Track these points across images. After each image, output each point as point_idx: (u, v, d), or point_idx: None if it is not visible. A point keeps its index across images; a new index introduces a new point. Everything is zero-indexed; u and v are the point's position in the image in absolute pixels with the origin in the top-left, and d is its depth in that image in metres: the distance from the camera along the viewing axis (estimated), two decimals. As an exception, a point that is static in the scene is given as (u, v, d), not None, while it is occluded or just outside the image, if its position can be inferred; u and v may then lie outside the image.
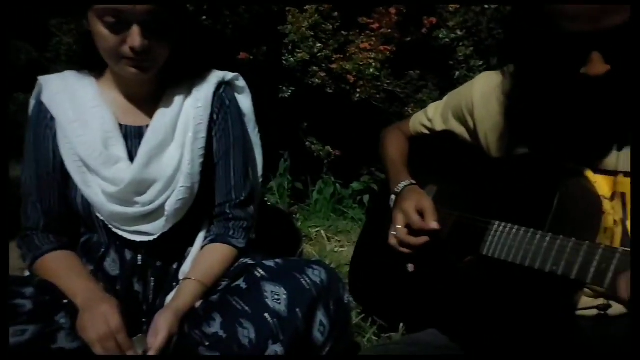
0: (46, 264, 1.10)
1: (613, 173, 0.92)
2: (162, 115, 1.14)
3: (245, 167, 1.22)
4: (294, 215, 2.97)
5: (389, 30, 2.58)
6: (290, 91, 2.65)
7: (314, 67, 2.53)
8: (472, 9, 2.67)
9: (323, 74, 2.51)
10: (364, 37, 2.59)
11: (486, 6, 2.60)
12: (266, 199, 2.95)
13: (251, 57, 2.56)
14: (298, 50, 2.46)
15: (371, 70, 2.52)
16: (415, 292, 1.15)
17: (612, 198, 0.93)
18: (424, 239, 1.09)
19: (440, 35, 2.70)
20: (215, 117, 1.18)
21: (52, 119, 1.12)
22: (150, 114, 1.15)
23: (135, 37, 1.00)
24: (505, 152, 1.07)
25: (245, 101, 1.26)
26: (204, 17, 2.40)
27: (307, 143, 2.91)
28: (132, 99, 1.16)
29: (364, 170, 3.08)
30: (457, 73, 2.58)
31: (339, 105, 2.75)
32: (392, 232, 1.14)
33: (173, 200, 1.11)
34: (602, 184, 0.93)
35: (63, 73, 1.17)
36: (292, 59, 2.48)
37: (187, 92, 1.17)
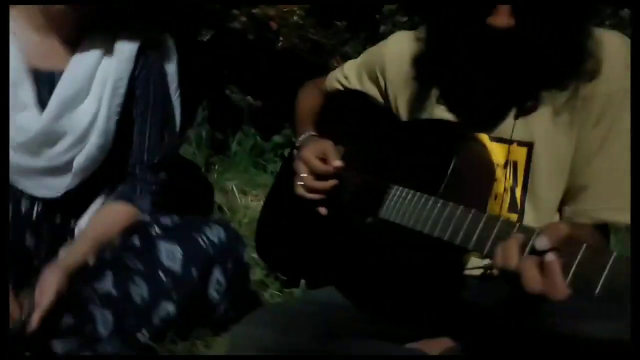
0: None
1: (508, 141, 0.95)
2: (79, 64, 1.07)
3: (161, 129, 1.18)
4: (213, 167, 2.91)
5: (316, -22, 2.51)
6: (209, 35, 2.53)
7: (235, 11, 2.42)
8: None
9: (244, 19, 2.41)
10: (289, -18, 2.50)
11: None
12: (182, 148, 2.86)
13: (168, -3, 2.40)
14: (219, -8, 2.34)
15: (295, 17, 2.45)
16: (317, 249, 1.16)
17: (505, 165, 0.96)
18: (332, 182, 1.07)
19: (370, -13, 2.66)
20: (137, 73, 1.13)
21: None
22: (65, 58, 1.07)
23: None
24: (413, 113, 1.08)
25: (170, 62, 1.20)
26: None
27: (227, 92, 2.82)
28: (46, 40, 1.06)
29: (287, 124, 3.05)
30: (383, 27, 2.57)
31: (261, 53, 2.67)
32: (299, 183, 1.12)
33: (83, 157, 1.07)
34: (497, 152, 0.96)
35: None
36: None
37: (111, 43, 1.09)
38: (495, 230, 0.73)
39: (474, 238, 0.76)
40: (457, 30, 0.89)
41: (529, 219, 0.95)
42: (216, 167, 2.91)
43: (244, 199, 2.20)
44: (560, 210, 0.96)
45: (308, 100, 1.34)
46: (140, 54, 1.12)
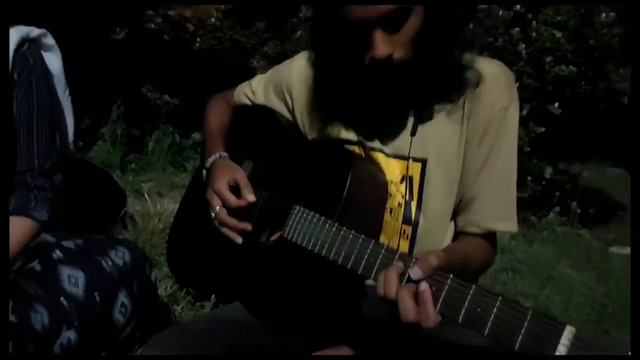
0: None
1: (405, 158, 1.02)
2: None
3: (51, 132, 1.13)
4: (129, 165, 2.84)
5: (233, -21, 2.50)
6: (123, 33, 2.45)
7: (150, 12, 2.36)
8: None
9: (160, 20, 2.36)
10: (206, -17, 2.47)
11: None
12: (97, 146, 2.76)
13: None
14: (131, -9, 2.27)
15: (212, 20, 2.43)
16: (226, 265, 1.18)
17: (402, 181, 1.03)
18: (245, 224, 1.08)
19: (289, -12, 2.68)
20: (16, 77, 1.08)
21: None
22: None
23: None
24: (317, 131, 1.12)
25: (54, 60, 1.16)
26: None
27: (143, 90, 2.76)
28: None
29: (206, 121, 3.02)
30: (299, 32, 2.61)
31: (178, 52, 2.62)
32: (212, 214, 1.13)
33: None
34: (393, 168, 1.03)
35: None
36: (124, -1, 2.28)
37: None
38: (379, 257, 0.80)
39: (363, 263, 0.83)
40: (343, 63, 0.96)
41: (422, 230, 1.03)
42: (132, 166, 2.85)
43: (159, 202, 2.17)
44: (455, 221, 1.04)
45: (217, 114, 1.33)
46: (18, 57, 1.07)
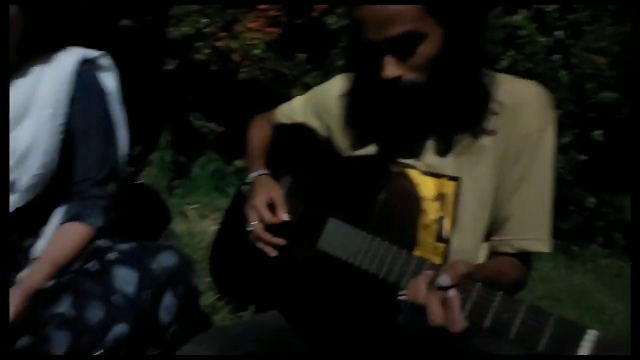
0: None
1: (439, 176, 1.05)
2: (17, 89, 1.11)
3: (105, 145, 1.22)
4: (175, 190, 2.97)
5: (278, 13, 2.63)
6: (174, 64, 2.61)
7: (199, 43, 2.51)
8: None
9: (208, 51, 2.51)
10: (251, 16, 2.61)
11: None
12: (145, 172, 2.91)
13: (134, 26, 2.49)
14: (183, 24, 2.43)
15: (257, 51, 2.56)
16: (264, 275, 1.24)
17: (435, 198, 1.05)
18: (279, 240, 1.14)
19: (330, 21, 2.78)
20: (75, 94, 1.17)
21: None
22: None
23: None
24: (353, 149, 1.17)
25: (109, 80, 1.25)
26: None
27: (190, 118, 2.91)
28: None
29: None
30: (339, 63, 2.71)
31: (224, 82, 2.76)
32: (249, 229, 1.19)
33: (27, 177, 1.10)
34: (427, 185, 1.06)
35: None
36: (176, 32, 2.44)
37: (46, 66, 1.14)
38: (411, 267, 0.84)
39: (395, 273, 0.87)
40: (363, 82, 1.02)
41: (455, 248, 1.04)
42: (178, 190, 2.98)
43: (202, 224, 2.27)
44: (488, 240, 1.05)
45: (259, 133, 1.41)
46: (77, 76, 1.16)
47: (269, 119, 1.43)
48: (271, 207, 1.17)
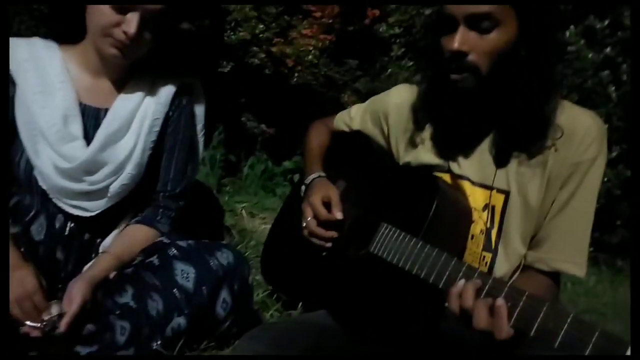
0: None
1: (489, 188, 1.07)
2: (123, 103, 1.20)
3: (185, 164, 1.30)
4: (224, 187, 3.05)
5: (331, 21, 2.67)
6: (229, 67, 2.70)
7: (255, 48, 2.59)
8: (409, 10, 2.82)
9: (263, 55, 2.58)
10: (306, 23, 2.67)
11: (420, 10, 2.75)
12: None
13: (193, 29, 2.58)
14: (240, 29, 2.51)
15: (310, 57, 2.61)
16: (314, 274, 1.28)
17: (484, 209, 1.08)
18: (331, 233, 1.20)
19: (381, 30, 2.81)
20: (171, 114, 1.26)
21: (14, 84, 1.14)
22: (110, 97, 1.21)
23: (132, 24, 1.06)
24: (409, 158, 1.20)
25: (199, 105, 1.34)
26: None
27: (243, 119, 2.99)
28: (95, 80, 1.20)
29: (297, 150, 3.20)
30: (390, 70, 2.73)
31: (277, 85, 2.83)
32: (303, 224, 1.24)
33: (118, 184, 1.19)
34: (477, 196, 1.09)
35: (31, 39, 1.19)
36: (233, 36, 2.52)
37: (151, 86, 1.23)
38: (460, 273, 0.86)
39: (444, 278, 0.89)
40: (433, 90, 1.04)
41: (500, 259, 1.07)
42: (227, 188, 3.06)
43: (252, 222, 2.32)
44: (525, 254, 1.07)
45: (317, 138, 1.45)
46: (175, 97, 1.25)
47: (327, 125, 1.47)
48: (326, 205, 1.21)
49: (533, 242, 1.06)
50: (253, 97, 2.98)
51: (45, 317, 1.05)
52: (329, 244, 1.19)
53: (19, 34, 2.14)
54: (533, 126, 1.01)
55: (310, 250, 1.25)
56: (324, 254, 1.22)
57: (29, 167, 1.16)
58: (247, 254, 1.76)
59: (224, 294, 1.13)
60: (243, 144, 3.11)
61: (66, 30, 1.17)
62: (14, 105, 1.15)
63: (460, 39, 0.96)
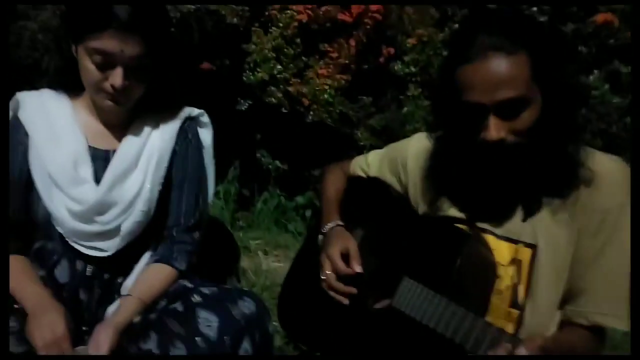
0: None
1: (515, 241, 1.06)
2: (130, 143, 1.23)
3: (196, 196, 1.31)
4: (237, 222, 3.08)
5: (347, 61, 2.73)
6: (247, 105, 2.75)
7: (272, 87, 2.64)
8: (426, 50, 2.87)
9: (280, 95, 2.63)
10: (322, 63, 2.72)
11: (438, 50, 2.80)
12: (211, 203, 3.03)
13: (214, 69, 2.65)
14: (259, 70, 2.57)
15: (326, 96, 2.66)
16: (333, 324, 1.27)
17: (509, 263, 1.06)
18: (350, 288, 1.19)
19: (396, 68, 2.86)
20: (177, 148, 1.28)
21: (27, 135, 1.19)
22: (117, 139, 1.24)
23: (117, 77, 1.10)
24: (429, 207, 1.20)
25: (206, 135, 1.35)
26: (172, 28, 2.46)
27: (257, 155, 3.03)
28: (103, 124, 1.25)
29: (309, 186, 3.23)
30: (405, 109, 2.76)
31: (292, 123, 2.87)
32: (322, 277, 1.24)
33: (130, 222, 1.20)
34: (502, 250, 1.07)
35: (40, 91, 1.25)
36: (252, 77, 2.58)
37: (155, 123, 1.26)
38: (488, 336, 0.87)
39: (471, 340, 0.89)
40: (457, 142, 1.04)
41: (528, 315, 1.04)
42: (241, 222, 3.08)
43: (266, 260, 2.34)
44: (562, 308, 1.04)
45: (334, 183, 1.45)
46: (180, 132, 1.27)
47: (343, 170, 1.47)
48: (345, 258, 1.21)
49: (569, 295, 1.03)
50: (268, 133, 3.02)
51: None
52: (346, 301, 1.19)
53: (47, 72, 2.21)
54: (558, 172, 1.00)
55: (329, 300, 1.24)
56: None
57: (47, 213, 1.19)
58: (262, 295, 1.77)
59: (246, 344, 1.13)
60: (257, 179, 3.14)
61: (72, 81, 1.21)
62: (28, 156, 1.19)
63: (494, 130, 0.96)
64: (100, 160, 1.22)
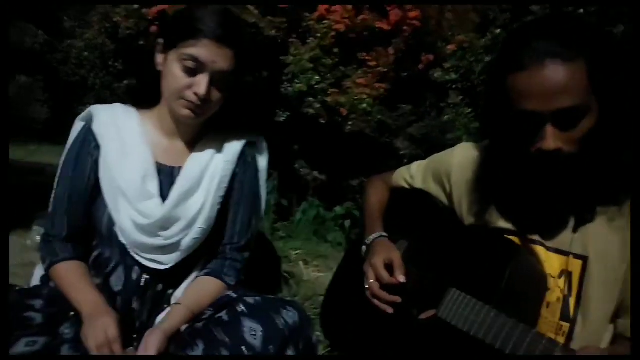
0: (60, 271, 1.22)
1: (565, 253, 1.03)
2: (195, 162, 1.27)
3: (250, 217, 1.35)
4: (277, 232, 3.09)
5: (385, 70, 2.72)
6: (285, 116, 2.78)
7: (310, 98, 2.66)
8: (467, 57, 2.83)
9: (318, 105, 2.64)
10: (361, 72, 2.72)
11: (479, 56, 2.75)
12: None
13: (253, 80, 2.68)
14: (297, 81, 2.59)
15: (364, 105, 2.66)
16: (377, 333, 1.26)
17: (559, 275, 1.04)
18: (394, 297, 1.18)
19: (436, 75, 2.83)
20: (237, 171, 1.32)
21: (97, 147, 1.25)
22: (183, 157, 1.29)
23: (202, 85, 1.14)
24: (475, 218, 1.17)
25: (262, 160, 1.39)
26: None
27: (296, 165, 3.05)
28: (170, 141, 1.29)
29: (348, 196, 3.22)
30: (446, 117, 2.73)
31: (330, 133, 2.88)
32: (366, 286, 1.23)
33: (189, 238, 1.24)
34: (552, 262, 1.04)
35: (112, 105, 1.30)
36: (290, 88, 2.60)
37: (220, 144, 1.30)
38: (540, 346, 0.84)
39: (522, 351, 0.86)
40: (512, 153, 1.00)
41: (579, 329, 1.01)
42: (280, 232, 3.10)
43: (306, 270, 2.34)
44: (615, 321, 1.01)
45: (377, 195, 1.44)
46: (241, 155, 1.31)
47: (385, 181, 1.46)
48: (388, 268, 1.20)
49: (622, 309, 0.99)
50: (306, 144, 3.04)
51: None
52: (390, 310, 1.18)
53: (94, 88, 2.30)
54: (613, 181, 0.96)
55: (372, 310, 1.24)
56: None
57: (111, 222, 1.23)
58: (304, 305, 1.77)
59: (289, 353, 1.13)
60: (295, 190, 3.16)
61: (143, 96, 1.27)
62: (98, 166, 1.24)
63: (551, 140, 0.93)
64: (166, 176, 1.27)
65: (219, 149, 1.30)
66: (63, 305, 1.15)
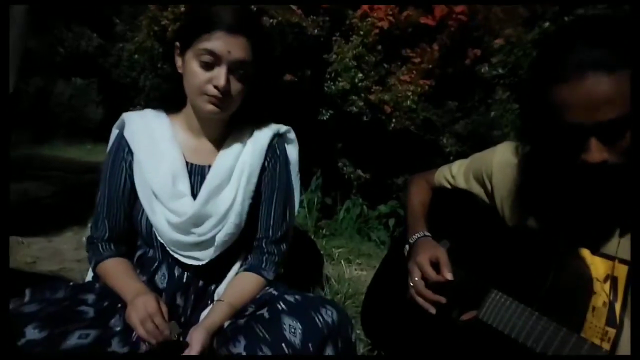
0: (106, 267, 1.28)
1: (611, 258, 1.00)
2: (224, 159, 1.30)
3: (284, 209, 1.36)
4: (321, 230, 3.11)
5: (430, 66, 2.68)
6: (328, 114, 2.78)
7: (353, 96, 2.65)
8: (515, 51, 2.75)
9: (361, 103, 2.63)
10: (405, 69, 2.69)
11: (527, 51, 2.67)
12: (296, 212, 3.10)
13: (296, 80, 2.71)
14: (340, 79, 2.59)
15: (408, 102, 2.63)
16: (418, 332, 1.26)
17: (605, 280, 1.01)
18: (439, 297, 1.18)
19: (483, 70, 2.77)
20: (266, 164, 1.34)
21: (130, 152, 1.30)
22: (212, 155, 1.32)
23: (221, 77, 1.17)
24: (518, 219, 1.16)
25: (292, 151, 1.41)
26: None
27: (339, 164, 3.05)
28: (199, 140, 1.33)
29: (392, 194, 3.20)
30: (493, 113, 2.66)
31: (374, 131, 2.87)
32: (410, 284, 1.23)
33: (223, 233, 1.27)
34: (598, 266, 1.02)
35: (143, 111, 1.35)
36: (333, 87, 2.61)
37: (247, 139, 1.33)
38: (583, 351, 0.81)
39: (564, 355, 0.84)
40: (556, 162, 0.98)
41: (626, 335, 0.98)
42: (324, 231, 3.12)
43: (349, 269, 2.34)
44: None
45: (419, 194, 1.45)
46: (269, 148, 1.33)
47: (427, 180, 1.46)
48: (434, 266, 1.20)
49: None
50: (350, 142, 3.04)
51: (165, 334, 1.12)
52: (433, 309, 1.17)
53: (144, 89, 2.39)
54: None
55: (414, 309, 1.23)
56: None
57: (149, 224, 1.28)
58: (346, 303, 1.78)
59: (328, 352, 1.14)
60: (339, 188, 3.17)
61: (171, 100, 1.31)
62: (132, 171, 1.29)
63: (596, 153, 0.90)
64: (197, 175, 1.30)
65: (247, 145, 1.32)
66: (113, 300, 1.20)
